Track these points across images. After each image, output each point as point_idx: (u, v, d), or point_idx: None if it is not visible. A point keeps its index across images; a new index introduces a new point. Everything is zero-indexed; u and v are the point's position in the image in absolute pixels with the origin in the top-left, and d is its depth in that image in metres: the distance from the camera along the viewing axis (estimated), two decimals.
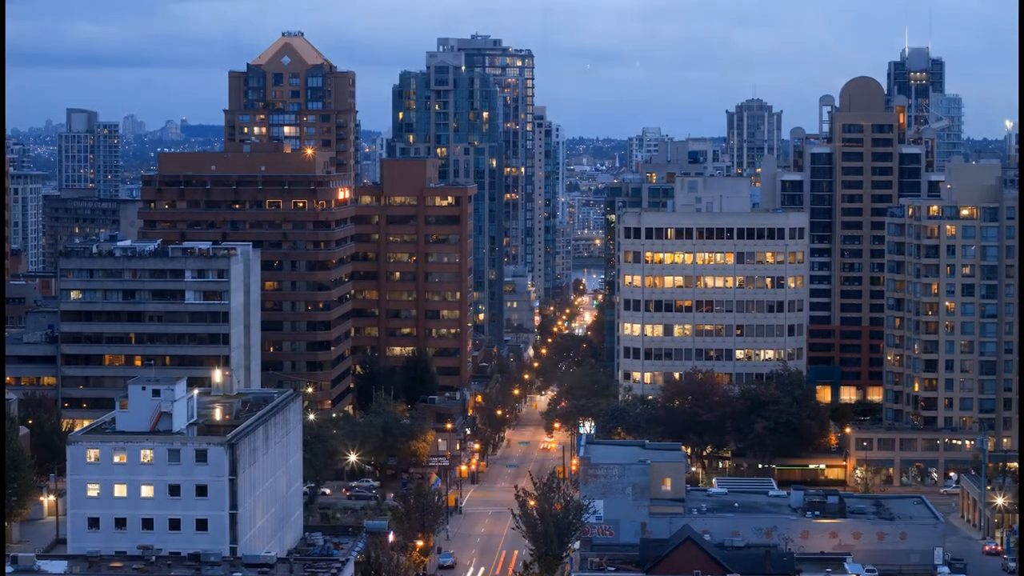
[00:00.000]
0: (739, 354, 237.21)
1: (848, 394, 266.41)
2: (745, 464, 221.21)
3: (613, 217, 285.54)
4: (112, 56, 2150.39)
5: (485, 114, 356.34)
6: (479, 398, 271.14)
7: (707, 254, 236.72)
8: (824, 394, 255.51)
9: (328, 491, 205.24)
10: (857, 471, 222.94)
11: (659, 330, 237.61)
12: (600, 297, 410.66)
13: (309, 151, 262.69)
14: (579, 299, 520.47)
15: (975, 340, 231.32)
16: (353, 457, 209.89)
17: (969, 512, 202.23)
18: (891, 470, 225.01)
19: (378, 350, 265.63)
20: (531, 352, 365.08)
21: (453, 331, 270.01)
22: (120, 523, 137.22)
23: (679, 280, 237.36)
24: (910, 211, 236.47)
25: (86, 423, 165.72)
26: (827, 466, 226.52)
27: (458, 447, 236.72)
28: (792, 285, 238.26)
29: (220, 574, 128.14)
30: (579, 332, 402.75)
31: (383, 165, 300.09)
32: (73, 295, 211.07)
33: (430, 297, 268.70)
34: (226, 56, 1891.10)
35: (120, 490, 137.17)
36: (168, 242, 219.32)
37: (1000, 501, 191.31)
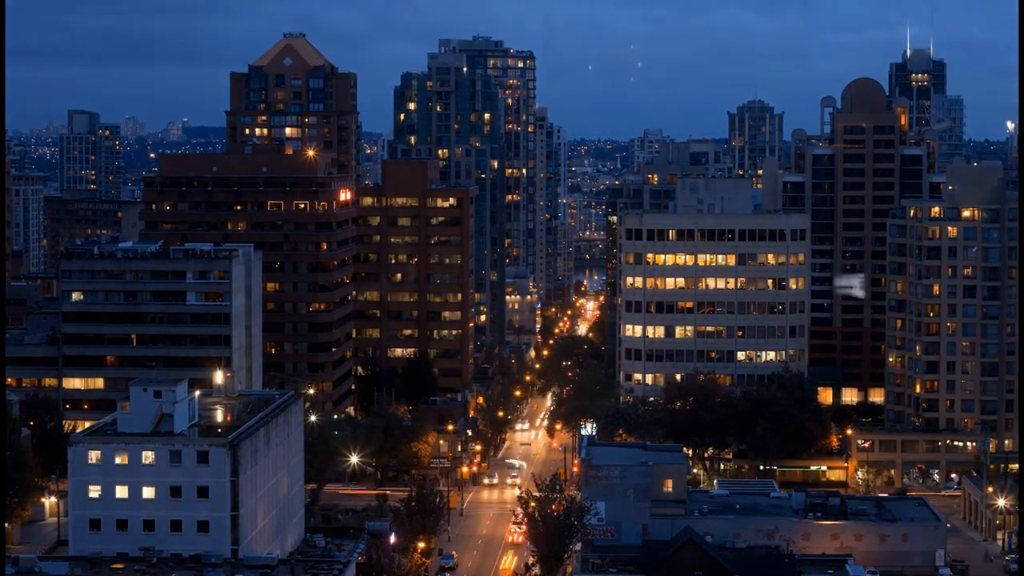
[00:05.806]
0: (740, 355, 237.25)
1: (849, 396, 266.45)
2: (746, 466, 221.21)
3: (615, 218, 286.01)
4: (113, 56, 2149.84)
5: (487, 115, 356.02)
6: (480, 399, 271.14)
7: (708, 255, 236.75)
8: (825, 395, 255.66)
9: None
10: (858, 473, 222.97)
11: (660, 331, 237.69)
12: (602, 299, 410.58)
13: (310, 152, 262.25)
14: (580, 300, 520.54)
15: (976, 342, 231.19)
16: (354, 459, 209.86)
17: (971, 514, 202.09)
18: (893, 471, 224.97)
19: (379, 351, 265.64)
20: (532, 353, 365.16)
21: (454, 332, 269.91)
22: (121, 524, 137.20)
23: (680, 281, 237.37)
24: (911, 212, 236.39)
25: (87, 424, 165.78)
26: (828, 468, 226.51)
27: (459, 448, 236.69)
28: (793, 286, 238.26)
29: None
30: (580, 333, 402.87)
31: (384, 166, 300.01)
32: (74, 296, 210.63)
33: (431, 299, 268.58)
34: (227, 57, 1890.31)
35: (121, 491, 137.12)
36: (169, 243, 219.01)
37: (1002, 503, 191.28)
